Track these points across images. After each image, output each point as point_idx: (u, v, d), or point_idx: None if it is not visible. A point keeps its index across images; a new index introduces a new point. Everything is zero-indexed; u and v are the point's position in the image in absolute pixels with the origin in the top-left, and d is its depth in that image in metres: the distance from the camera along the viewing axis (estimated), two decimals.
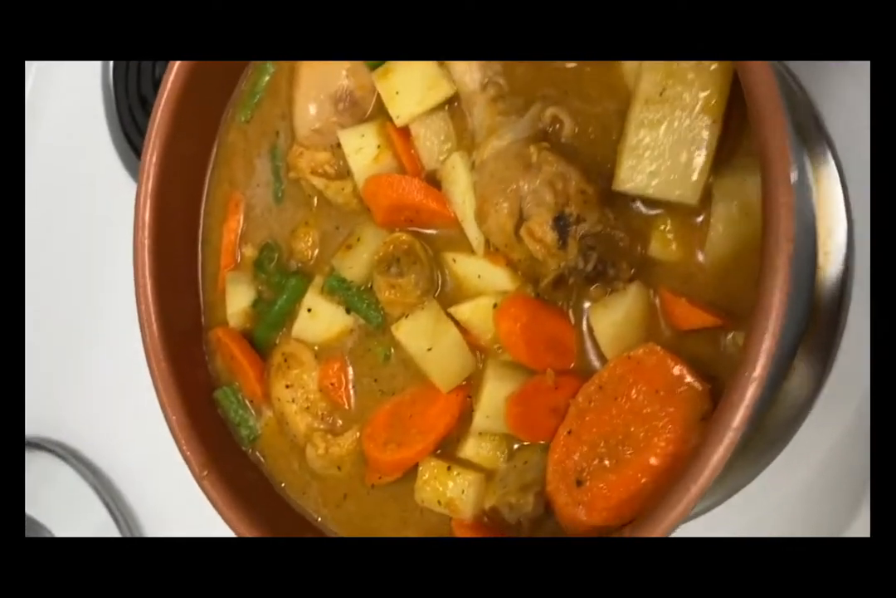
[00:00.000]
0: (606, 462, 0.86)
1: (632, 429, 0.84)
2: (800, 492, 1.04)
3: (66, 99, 1.66)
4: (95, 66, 1.60)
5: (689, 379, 0.82)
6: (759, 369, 0.71)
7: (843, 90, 1.02)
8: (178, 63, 1.09)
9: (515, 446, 0.95)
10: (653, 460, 0.83)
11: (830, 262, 1.00)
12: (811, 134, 1.03)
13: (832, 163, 1.02)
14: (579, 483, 0.87)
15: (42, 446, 1.57)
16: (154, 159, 1.12)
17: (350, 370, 1.06)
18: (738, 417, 0.72)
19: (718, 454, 0.73)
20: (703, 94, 0.80)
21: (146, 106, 1.51)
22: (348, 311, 1.05)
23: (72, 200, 1.64)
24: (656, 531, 0.76)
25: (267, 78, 1.13)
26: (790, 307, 0.72)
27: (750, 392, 0.71)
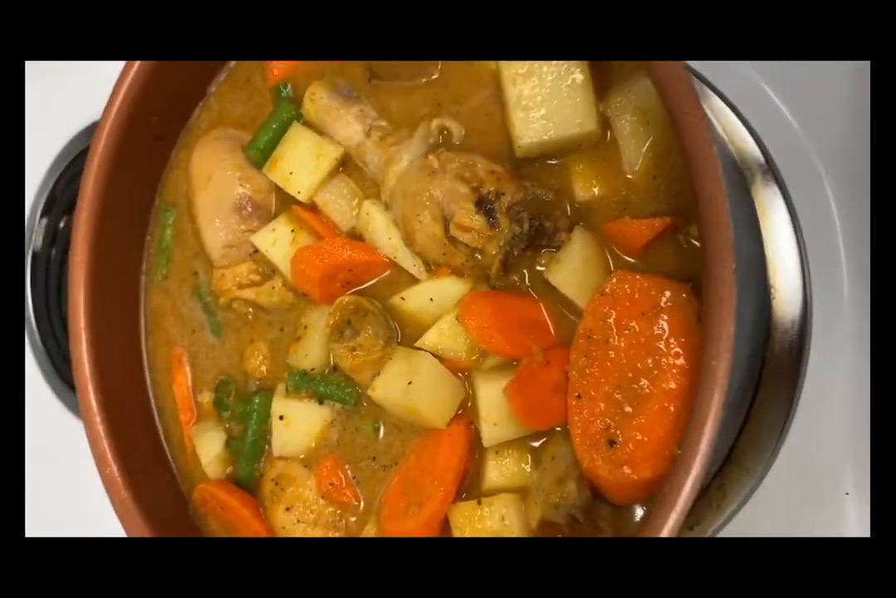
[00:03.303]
0: (628, 408, 0.80)
1: (638, 363, 0.80)
2: None
3: None
4: None
5: (667, 288, 0.79)
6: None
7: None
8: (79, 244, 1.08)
9: (535, 444, 0.88)
10: (672, 384, 0.78)
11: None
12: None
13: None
14: (612, 443, 0.80)
15: None
16: (86, 351, 1.08)
17: (345, 464, 0.99)
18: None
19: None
20: None
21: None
22: (321, 401, 1.00)
23: None
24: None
25: (169, 231, 1.14)
26: None
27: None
